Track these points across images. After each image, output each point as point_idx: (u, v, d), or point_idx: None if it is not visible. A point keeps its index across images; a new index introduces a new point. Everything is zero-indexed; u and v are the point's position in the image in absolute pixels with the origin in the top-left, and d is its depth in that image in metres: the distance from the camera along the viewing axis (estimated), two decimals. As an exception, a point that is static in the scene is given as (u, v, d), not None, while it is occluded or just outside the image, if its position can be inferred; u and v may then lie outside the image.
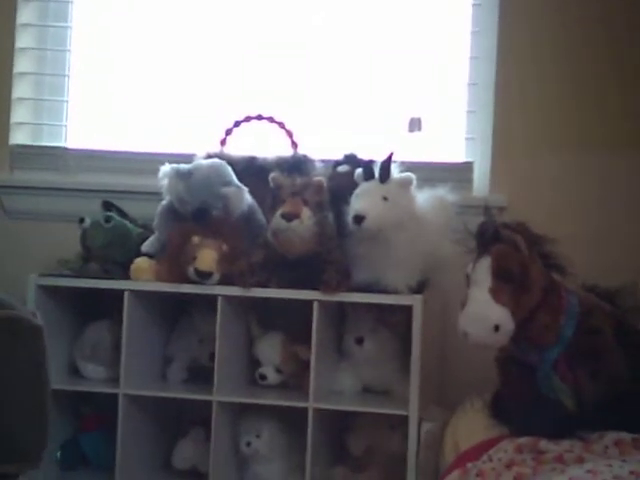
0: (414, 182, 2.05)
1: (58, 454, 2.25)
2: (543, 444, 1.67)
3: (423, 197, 2.09)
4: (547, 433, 1.70)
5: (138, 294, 2.17)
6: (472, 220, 1.86)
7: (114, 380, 2.18)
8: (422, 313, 1.99)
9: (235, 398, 2.12)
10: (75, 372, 2.29)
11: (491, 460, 1.67)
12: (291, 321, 2.24)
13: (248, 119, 2.36)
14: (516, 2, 2.37)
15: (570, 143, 2.36)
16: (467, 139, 2.45)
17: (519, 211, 2.23)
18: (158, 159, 2.28)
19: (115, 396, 2.13)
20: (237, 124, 2.37)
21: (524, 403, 1.81)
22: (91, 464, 2.29)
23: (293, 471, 2.16)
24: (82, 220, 2.29)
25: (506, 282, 1.75)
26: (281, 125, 2.35)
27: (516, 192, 2.35)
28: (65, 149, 2.62)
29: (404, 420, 1.99)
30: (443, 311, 2.23)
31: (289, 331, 2.24)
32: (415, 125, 2.41)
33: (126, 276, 2.18)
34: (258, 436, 2.15)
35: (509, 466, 1.63)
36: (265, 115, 2.35)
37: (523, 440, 1.70)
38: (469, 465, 1.68)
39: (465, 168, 2.43)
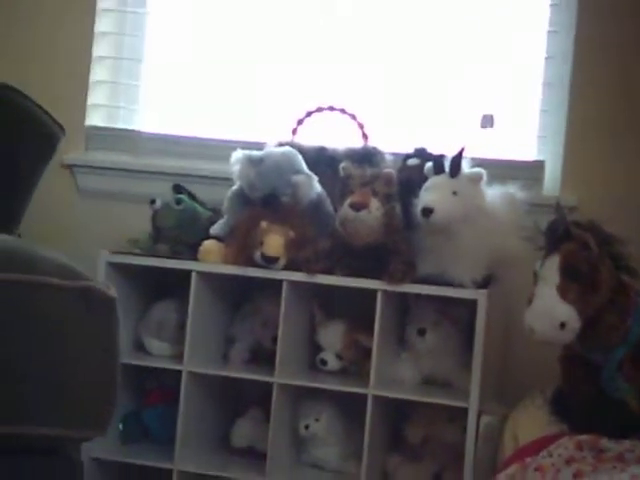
0: (484, 178, 2.06)
1: (120, 426, 2.30)
2: (604, 442, 1.67)
3: (493, 194, 2.10)
4: (609, 433, 1.70)
5: (205, 275, 2.21)
6: (541, 219, 1.86)
7: (178, 357, 2.22)
8: (486, 308, 2.00)
9: (296, 381, 2.15)
10: (141, 348, 2.34)
11: (551, 456, 1.67)
12: (354, 309, 2.26)
13: (320, 109, 2.39)
14: (594, 2, 2.36)
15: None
16: (539, 137, 2.45)
17: (590, 212, 2.21)
18: (230, 145, 2.32)
19: (179, 373, 2.18)
20: (309, 114, 2.40)
21: (586, 402, 1.81)
22: (151, 437, 2.34)
23: (350, 456, 2.19)
24: (153, 201, 2.33)
25: (574, 281, 1.74)
26: (352, 117, 2.37)
27: (587, 193, 2.33)
28: (139, 132, 2.68)
29: (463, 413, 2.01)
30: (507, 307, 2.24)
31: (351, 319, 2.26)
32: (487, 122, 2.41)
33: (194, 257, 2.23)
34: (317, 420, 2.18)
35: (569, 462, 1.63)
36: (337, 106, 2.37)
37: (584, 437, 1.69)
38: (528, 460, 1.68)
39: (536, 167, 2.43)
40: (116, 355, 1.56)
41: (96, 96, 2.70)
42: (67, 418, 1.47)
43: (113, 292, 1.55)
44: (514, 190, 2.11)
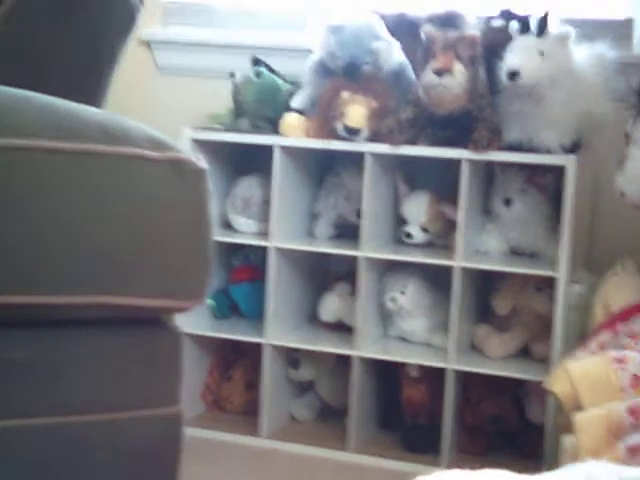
0: (572, 37, 1.97)
1: (210, 302, 2.34)
2: (699, 306, 1.64)
3: (581, 54, 2.01)
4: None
5: (287, 150, 2.19)
6: (632, 79, 1.78)
7: (264, 234, 2.23)
8: (575, 174, 1.94)
9: (381, 254, 2.15)
10: (227, 225, 2.36)
11: (644, 321, 1.65)
12: (438, 180, 2.23)
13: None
14: None
15: None
16: (629, -6, 2.33)
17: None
18: (307, 15, 2.27)
19: (265, 249, 2.20)
20: (388, -22, 2.32)
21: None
22: (241, 313, 2.38)
23: (436, 328, 2.19)
24: (233, 75, 2.30)
25: (669, 142, 1.68)
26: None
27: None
28: (215, 5, 2.63)
29: (551, 282, 1.98)
30: (595, 172, 2.17)
31: (436, 190, 2.22)
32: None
33: (276, 132, 2.20)
34: (403, 292, 2.18)
35: (662, 328, 1.61)
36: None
37: (678, 302, 1.67)
38: (620, 326, 1.66)
39: (625, 24, 2.29)
40: (209, 224, 1.55)
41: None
42: (168, 288, 1.48)
43: (203, 163, 1.54)
44: (603, 49, 2.01)
